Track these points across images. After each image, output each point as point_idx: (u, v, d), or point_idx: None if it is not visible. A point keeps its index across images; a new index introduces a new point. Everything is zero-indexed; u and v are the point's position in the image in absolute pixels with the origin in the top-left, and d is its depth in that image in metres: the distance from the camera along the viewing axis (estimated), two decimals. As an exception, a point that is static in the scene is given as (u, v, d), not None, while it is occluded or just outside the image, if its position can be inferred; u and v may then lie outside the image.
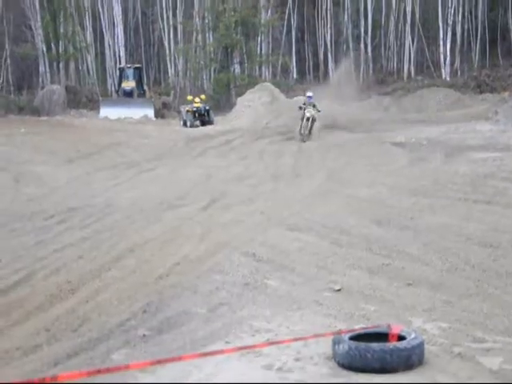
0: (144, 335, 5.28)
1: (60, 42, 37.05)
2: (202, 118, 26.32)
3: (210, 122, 26.14)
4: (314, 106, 19.18)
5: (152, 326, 5.45)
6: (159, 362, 3.19)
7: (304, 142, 18.66)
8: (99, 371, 2.95)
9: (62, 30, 36.76)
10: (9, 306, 6.29)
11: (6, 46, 36.36)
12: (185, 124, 25.97)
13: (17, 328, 5.72)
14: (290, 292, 5.99)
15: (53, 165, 15.74)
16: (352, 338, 4.31)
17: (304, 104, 19.44)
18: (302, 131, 19.07)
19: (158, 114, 30.75)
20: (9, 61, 36.94)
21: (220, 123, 24.94)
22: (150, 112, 29.86)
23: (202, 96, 27.55)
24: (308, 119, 18.93)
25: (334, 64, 33.97)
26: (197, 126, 25.31)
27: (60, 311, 6.00)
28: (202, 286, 6.32)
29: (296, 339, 4.03)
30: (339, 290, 5.96)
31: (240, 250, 7.42)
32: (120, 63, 36.85)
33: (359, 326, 4.67)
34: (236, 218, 9.18)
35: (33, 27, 36.85)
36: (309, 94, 20.27)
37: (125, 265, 7.24)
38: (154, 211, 9.86)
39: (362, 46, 34.51)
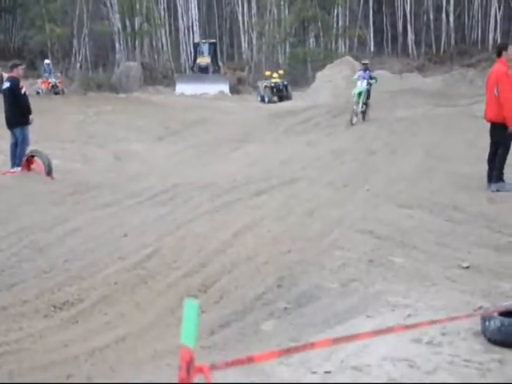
0: (285, 308, 5.54)
1: (135, 19, 37.71)
2: (280, 93, 26.37)
3: (288, 98, 26.18)
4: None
5: (290, 300, 5.70)
6: (337, 340, 3.38)
7: (352, 124, 16.86)
8: (289, 351, 3.12)
9: (137, 7, 37.36)
10: (144, 278, 6.65)
11: (85, 23, 37.29)
12: (262, 100, 26.05)
13: (160, 299, 6.06)
14: (418, 269, 6.12)
15: (145, 142, 16.27)
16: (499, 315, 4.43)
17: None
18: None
19: (233, 90, 30.95)
20: (87, 38, 37.87)
21: (299, 98, 24.96)
22: (226, 88, 30.07)
23: (281, 71, 27.54)
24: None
25: (414, 36, 33.20)
26: (275, 102, 25.35)
27: (196, 282, 6.28)
28: (328, 263, 6.52)
29: (451, 319, 4.16)
30: (468, 268, 6.05)
31: (355, 227, 7.59)
32: (194, 39, 37.19)
33: (505, 304, 4.76)
34: (342, 194, 9.33)
35: (109, 4, 37.61)
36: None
37: (245, 241, 7.49)
38: (259, 188, 10.06)
39: (444, 15, 33.42)
